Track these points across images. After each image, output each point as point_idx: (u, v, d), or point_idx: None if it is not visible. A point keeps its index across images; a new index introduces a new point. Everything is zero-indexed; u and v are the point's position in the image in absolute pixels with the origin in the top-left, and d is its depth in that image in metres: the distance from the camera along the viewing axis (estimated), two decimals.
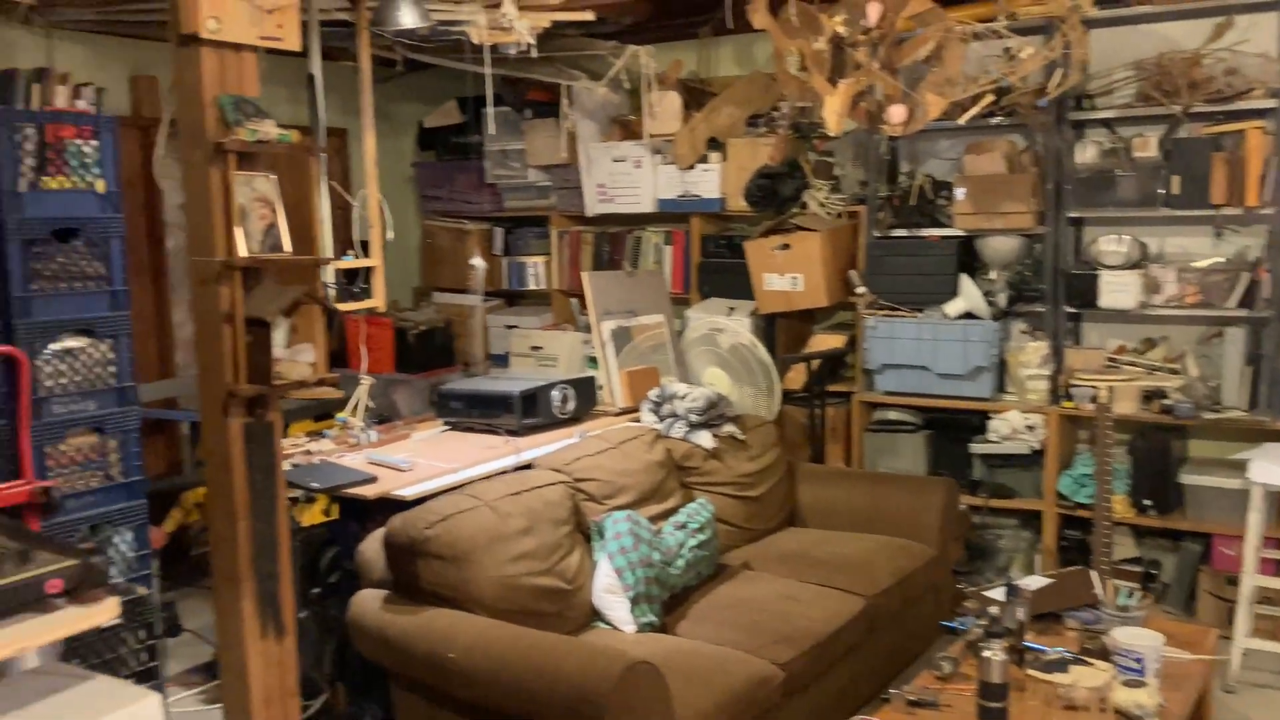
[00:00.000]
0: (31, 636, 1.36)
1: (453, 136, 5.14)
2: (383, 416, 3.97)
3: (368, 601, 2.67)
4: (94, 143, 3.00)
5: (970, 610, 2.62)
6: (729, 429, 3.53)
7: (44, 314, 2.95)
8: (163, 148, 3.19)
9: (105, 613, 1.43)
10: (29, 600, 1.39)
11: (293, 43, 2.15)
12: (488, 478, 2.99)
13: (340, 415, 3.71)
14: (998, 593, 2.66)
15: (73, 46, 4.05)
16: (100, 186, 3.04)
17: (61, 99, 3.01)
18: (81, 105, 3.05)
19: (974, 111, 3.29)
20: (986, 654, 2.13)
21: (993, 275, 3.91)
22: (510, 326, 4.85)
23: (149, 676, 2.77)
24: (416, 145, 5.38)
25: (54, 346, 3.00)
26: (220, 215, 2.08)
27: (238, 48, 2.07)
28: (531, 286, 5.01)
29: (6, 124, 2.81)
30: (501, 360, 4.86)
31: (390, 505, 2.97)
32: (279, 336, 2.11)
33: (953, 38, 3.05)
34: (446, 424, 3.75)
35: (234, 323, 2.09)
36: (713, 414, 3.50)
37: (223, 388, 2.13)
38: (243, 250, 2.09)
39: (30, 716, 1.54)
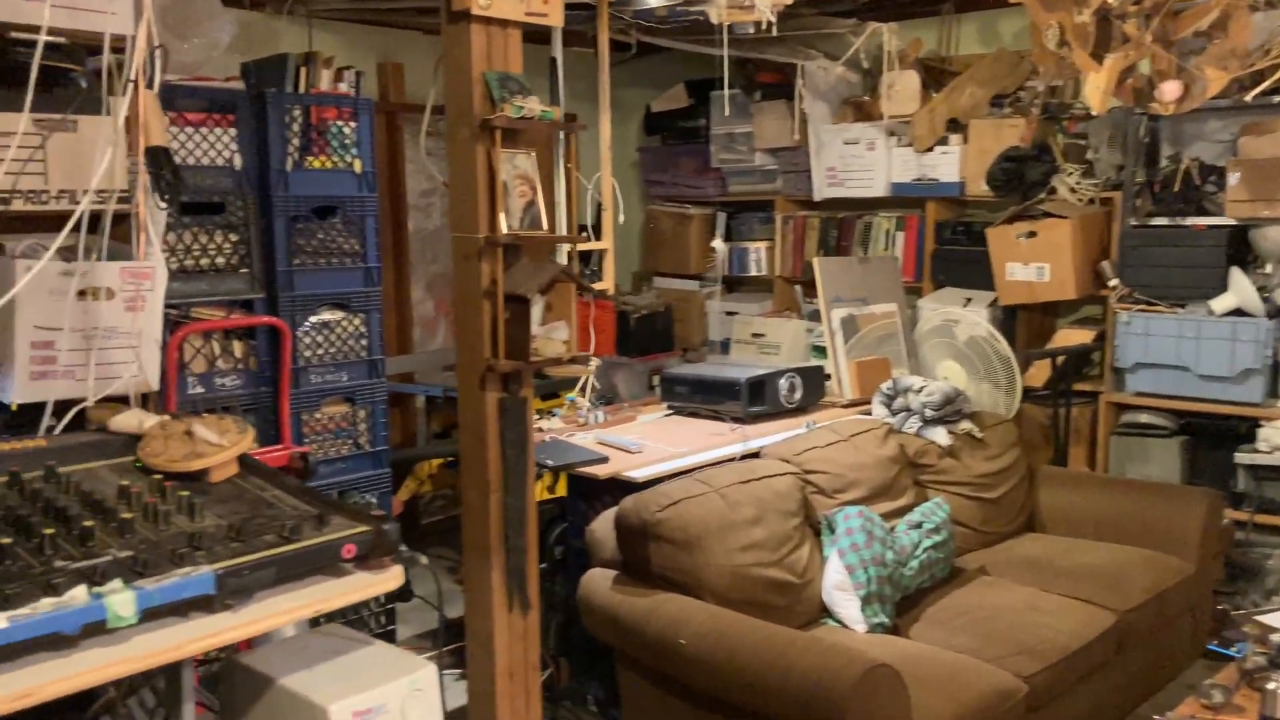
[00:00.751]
0: (325, 600, 1.40)
1: (679, 121, 5.13)
2: (605, 398, 3.99)
3: (597, 581, 2.68)
4: (353, 124, 3.13)
5: (1246, 636, 2.39)
6: (966, 426, 3.37)
7: (304, 288, 3.09)
8: (426, 128, 3.28)
9: (392, 580, 1.46)
10: (324, 563, 1.43)
11: (556, 19, 2.16)
12: (715, 464, 2.96)
13: (569, 395, 3.76)
14: (1276, 618, 2.42)
15: (327, 35, 4.25)
16: (357, 166, 3.16)
17: (325, 82, 3.14)
18: (342, 88, 3.18)
19: (1263, 87, 3.00)
20: (1272, 686, 1.93)
21: (1268, 269, 3.57)
22: (730, 313, 4.79)
23: (387, 639, 2.88)
24: (642, 130, 5.39)
25: (312, 319, 3.14)
26: (484, 192, 2.11)
27: (504, 24, 2.09)
28: (753, 272, 4.94)
29: (278, 106, 2.95)
30: (720, 347, 4.82)
31: (617, 486, 2.99)
32: (535, 313, 2.13)
33: (1240, 6, 2.78)
34: (670, 408, 3.73)
35: (494, 298, 2.12)
36: (949, 410, 3.34)
37: (481, 362, 2.16)
38: (504, 227, 2.11)
39: (318, 677, 1.60)
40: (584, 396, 3.78)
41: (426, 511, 4.69)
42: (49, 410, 2.13)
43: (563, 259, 3.06)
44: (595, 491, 3.09)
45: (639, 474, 2.97)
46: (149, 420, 1.69)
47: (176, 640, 1.28)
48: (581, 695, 3.18)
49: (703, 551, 2.56)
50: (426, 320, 4.82)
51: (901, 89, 4.18)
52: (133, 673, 1.28)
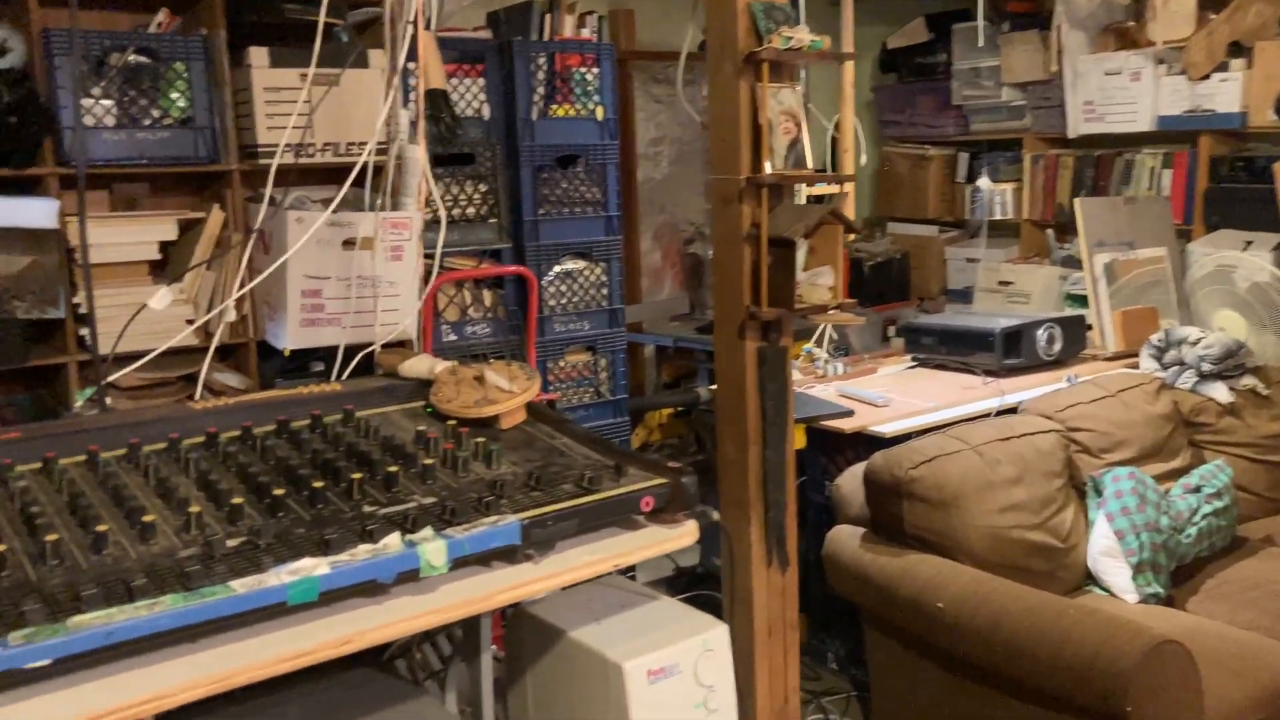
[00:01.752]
0: (623, 554, 1.37)
1: (917, 57, 4.87)
2: (839, 349, 3.87)
3: (845, 538, 2.59)
4: (595, 70, 3.09)
5: None
6: (1249, 381, 3.06)
7: (549, 237, 3.10)
8: (682, 71, 3.22)
9: (686, 535, 1.41)
10: (620, 515, 1.40)
11: None
12: (969, 420, 2.80)
13: (806, 345, 3.66)
14: None
15: None
16: (599, 113, 3.13)
17: (568, 29, 3.12)
18: (584, 34, 3.15)
19: None
20: None
21: None
22: (971, 260, 4.55)
23: None
24: (877, 68, 5.16)
25: (556, 269, 3.15)
26: (747, 130, 2.02)
27: None
28: (998, 216, 4.66)
29: (524, 54, 2.94)
30: (960, 296, 4.58)
31: (861, 440, 2.88)
32: (799, 258, 2.03)
33: None
34: (914, 360, 3.58)
35: (756, 243, 2.04)
36: (1230, 363, 3.05)
37: (741, 309, 2.09)
38: (768, 167, 2.01)
39: (609, 631, 1.58)
40: (821, 347, 3.67)
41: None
42: (340, 355, 2.20)
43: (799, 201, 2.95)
44: (837, 446, 3.00)
45: (886, 429, 2.86)
46: (439, 365, 1.70)
47: (484, 591, 1.28)
48: (821, 652, 3.11)
49: (960, 512, 2.43)
50: (654, 270, 4.80)
51: (1175, 10, 3.81)
52: (444, 623, 1.29)
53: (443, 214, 2.48)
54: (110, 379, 1.72)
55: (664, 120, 4.66)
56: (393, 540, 1.22)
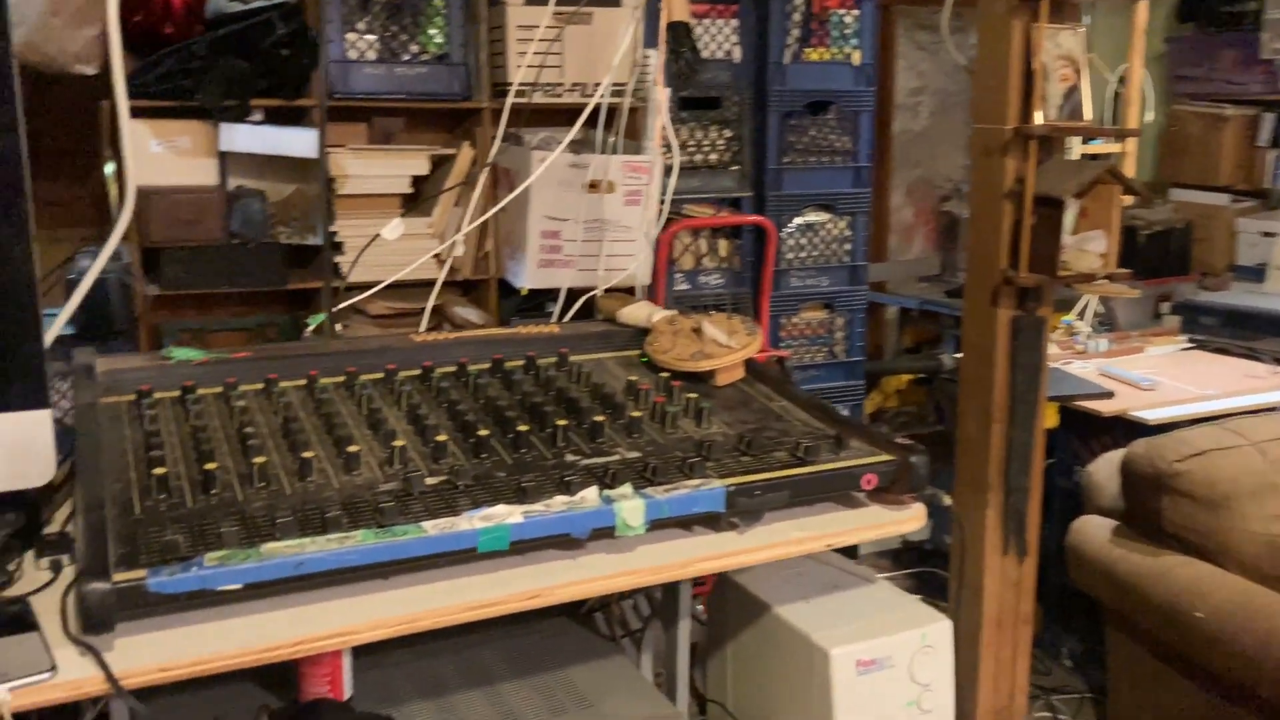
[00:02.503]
0: (838, 533, 1.26)
1: (1222, 4, 4.35)
2: (1102, 323, 3.54)
3: (1093, 529, 2.35)
4: (855, 12, 2.91)
5: None
6: None
7: (792, 187, 2.97)
8: (948, 14, 2.99)
9: (913, 520, 1.28)
10: (838, 491, 1.28)
11: None
12: (1251, 413, 2.48)
13: (1066, 318, 3.37)
14: None
15: None
16: (855, 58, 2.95)
17: None
18: None
19: None
20: None
21: None
22: (1268, 234, 4.04)
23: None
24: (1173, 16, 4.65)
25: (797, 220, 3.02)
26: (1017, 75, 1.82)
27: None
28: None
29: None
30: (1250, 273, 4.09)
31: (1121, 425, 2.62)
32: (1067, 220, 1.81)
33: None
34: (1191, 341, 3.22)
35: (1019, 200, 1.84)
36: None
37: (995, 273, 1.90)
38: (1039, 117, 1.80)
39: (818, 612, 1.48)
40: (1084, 321, 3.37)
41: (890, 428, 4.50)
42: (563, 297, 2.19)
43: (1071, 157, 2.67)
44: (1093, 429, 2.74)
45: (1151, 415, 2.58)
46: (658, 314, 1.63)
47: (681, 557, 1.20)
48: (1055, 647, 2.88)
49: (1231, 514, 2.15)
50: (904, 227, 4.55)
51: None
52: (637, 586, 1.22)
53: (676, 160, 2.39)
54: (341, 306, 1.76)
55: (927, 69, 4.38)
56: (590, 494, 1.16)
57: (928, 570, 3.01)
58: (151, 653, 0.99)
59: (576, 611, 1.58)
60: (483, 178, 2.48)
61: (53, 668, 0.95)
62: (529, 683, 1.40)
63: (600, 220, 2.78)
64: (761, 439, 1.34)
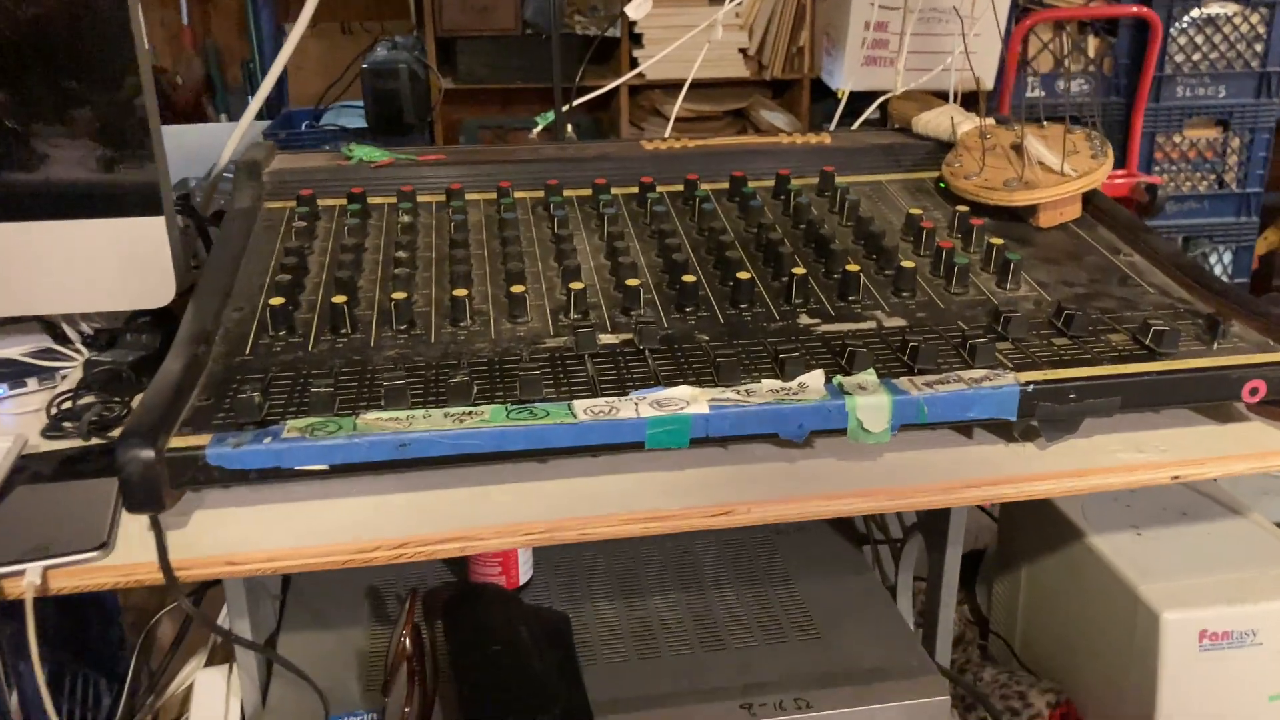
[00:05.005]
0: (1187, 461, 0.84)
1: None
2: None
3: None
4: None
5: None
6: None
7: None
8: None
9: None
10: (1203, 400, 0.86)
11: None
12: None
13: None
14: None
15: None
16: None
17: None
18: None
19: None
20: None
21: None
22: None
23: None
24: None
25: (1194, 13, 2.35)
26: None
27: None
28: None
29: None
30: None
31: None
32: None
33: None
34: None
35: None
36: None
37: None
38: None
39: (1153, 557, 1.06)
40: None
41: None
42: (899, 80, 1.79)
43: None
44: None
45: None
46: (966, 124, 1.20)
47: (947, 478, 0.84)
48: None
49: None
50: None
51: None
52: (877, 511, 0.88)
53: None
54: (567, 106, 1.46)
55: None
56: (813, 381, 0.82)
57: None
58: (231, 536, 0.79)
59: None
60: None
61: (103, 544, 0.77)
62: (744, 593, 1.11)
63: (942, 10, 2.35)
64: (1091, 312, 0.92)
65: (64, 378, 1.03)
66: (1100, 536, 1.12)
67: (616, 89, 3.24)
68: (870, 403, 0.80)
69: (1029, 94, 3.06)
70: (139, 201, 0.94)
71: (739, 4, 2.46)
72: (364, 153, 1.20)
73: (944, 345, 0.88)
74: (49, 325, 1.08)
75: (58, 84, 0.90)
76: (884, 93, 2.24)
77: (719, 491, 0.83)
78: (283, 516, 0.81)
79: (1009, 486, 0.85)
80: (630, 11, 1.60)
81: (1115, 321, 0.92)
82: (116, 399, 0.97)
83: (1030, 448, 0.88)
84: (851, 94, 3.00)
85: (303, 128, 3.41)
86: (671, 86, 3.23)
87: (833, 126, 2.46)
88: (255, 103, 1.37)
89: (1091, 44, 3.02)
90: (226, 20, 4.98)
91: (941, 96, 2.00)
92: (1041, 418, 0.84)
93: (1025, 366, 0.85)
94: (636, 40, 3.14)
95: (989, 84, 2.75)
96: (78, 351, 1.06)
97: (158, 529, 0.78)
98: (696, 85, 2.48)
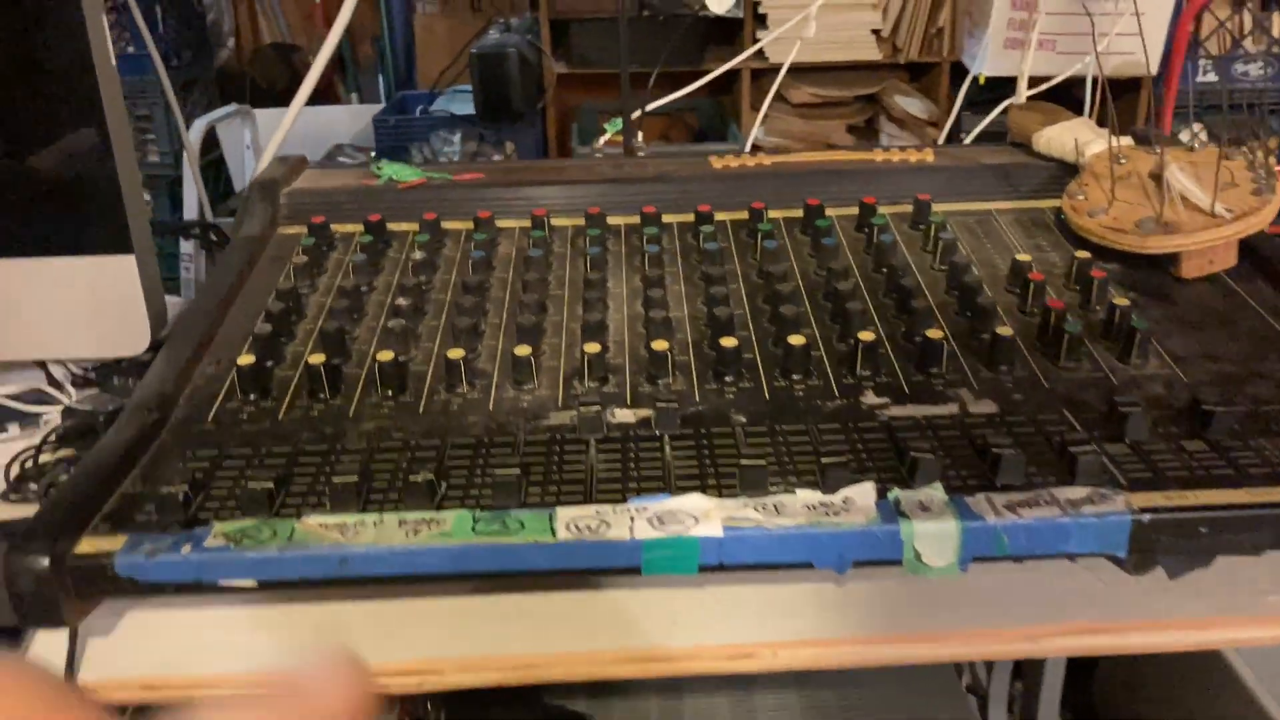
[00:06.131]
0: None
1: None
2: None
3: None
4: None
5: None
6: None
7: None
8: None
9: None
10: None
11: None
12: None
13: None
14: None
15: None
16: None
17: None
18: None
19: None
20: None
21: None
22: None
23: None
24: None
25: None
26: None
27: None
28: None
29: None
30: None
31: None
32: None
33: None
34: None
35: None
36: None
37: None
38: None
39: None
40: None
41: None
42: (1023, 84, 1.60)
43: None
44: None
45: None
46: (1095, 144, 0.99)
47: (1044, 620, 0.66)
48: None
49: None
50: None
51: None
52: (949, 660, 0.70)
53: None
54: (637, 113, 1.30)
55: None
56: (861, 496, 0.65)
57: None
58: (156, 651, 0.67)
59: None
60: None
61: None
62: (801, 693, 0.94)
63: None
64: (1240, 403, 0.71)
65: (46, 423, 0.95)
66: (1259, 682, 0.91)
67: (738, 71, 3.05)
68: (933, 530, 0.62)
69: (1200, 79, 2.75)
70: (106, 238, 0.83)
71: None
72: (393, 171, 1.07)
73: (1039, 446, 0.69)
74: (42, 362, 0.99)
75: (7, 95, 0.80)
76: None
77: (740, 624, 0.67)
78: (219, 625, 0.69)
79: (1112, 637, 0.66)
80: (713, 5, 1.43)
81: (1273, 420, 0.71)
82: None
83: (1149, 585, 0.69)
84: (993, 77, 2.74)
85: (416, 113, 3.35)
86: (800, 70, 3.02)
87: (949, 122, 2.23)
88: (297, 101, 1.26)
89: (1277, 22, 2.68)
90: None
91: (1126, 85, 1.76)
92: (1162, 553, 0.65)
93: (1144, 484, 0.65)
94: (760, 20, 2.94)
95: (1153, 70, 2.47)
96: (67, 394, 0.97)
97: (71, 642, 0.67)
98: (825, 69, 2.27)
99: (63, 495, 0.68)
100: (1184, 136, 2.68)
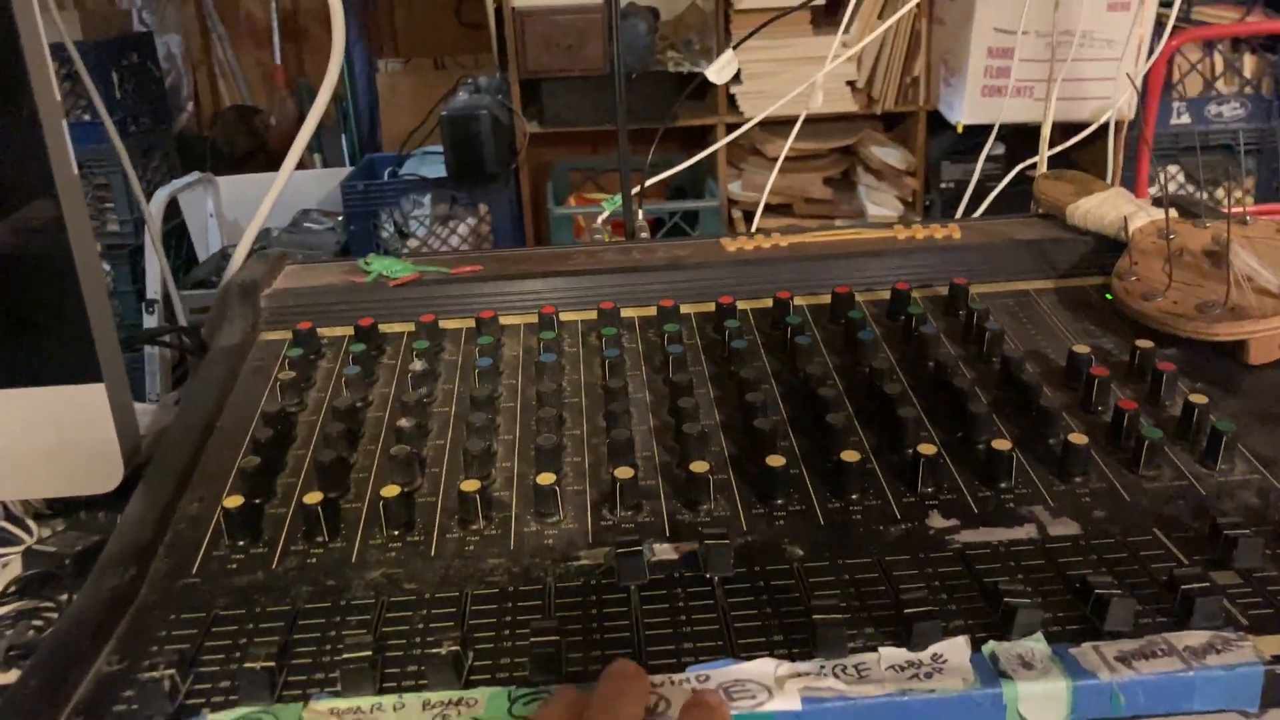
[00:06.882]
0: None
1: None
2: None
3: None
4: None
5: None
6: None
7: None
8: None
9: None
10: None
11: None
12: None
13: None
14: None
15: None
16: None
17: None
18: None
19: None
20: None
21: None
22: None
23: None
24: None
25: None
26: None
27: None
28: None
29: None
30: None
31: None
32: None
33: None
34: None
35: None
36: None
37: None
38: None
39: None
40: None
41: None
42: (1044, 151, 1.55)
43: None
44: None
45: None
46: (1141, 217, 0.93)
47: None
48: None
49: None
50: None
51: None
52: None
53: None
54: (637, 188, 1.23)
55: None
56: (954, 653, 0.57)
57: None
58: None
59: None
60: None
61: None
62: None
63: (1070, 32, 2.14)
64: None
65: (5, 566, 0.85)
66: None
67: (712, 127, 3.01)
68: (1039, 691, 0.55)
69: (1174, 121, 2.73)
70: (71, 365, 0.75)
71: (846, 35, 2.20)
72: (383, 266, 0.99)
73: (1137, 577, 0.62)
74: None
75: None
76: (1011, 126, 1.98)
77: None
78: None
79: None
80: (713, 75, 1.38)
81: None
82: (50, 605, 0.77)
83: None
84: (970, 125, 2.71)
85: (385, 176, 3.27)
86: (775, 124, 2.98)
87: (941, 176, 2.16)
88: (290, 160, 1.18)
89: (1248, 64, 2.68)
90: (319, 58, 4.91)
91: (1076, 128, 1.75)
92: None
93: (1265, 623, 0.58)
94: (735, 76, 2.89)
95: (1130, 113, 2.45)
96: (28, 530, 0.87)
97: None
98: (801, 120, 2.23)
99: (25, 682, 0.58)
100: (1160, 178, 2.61)
